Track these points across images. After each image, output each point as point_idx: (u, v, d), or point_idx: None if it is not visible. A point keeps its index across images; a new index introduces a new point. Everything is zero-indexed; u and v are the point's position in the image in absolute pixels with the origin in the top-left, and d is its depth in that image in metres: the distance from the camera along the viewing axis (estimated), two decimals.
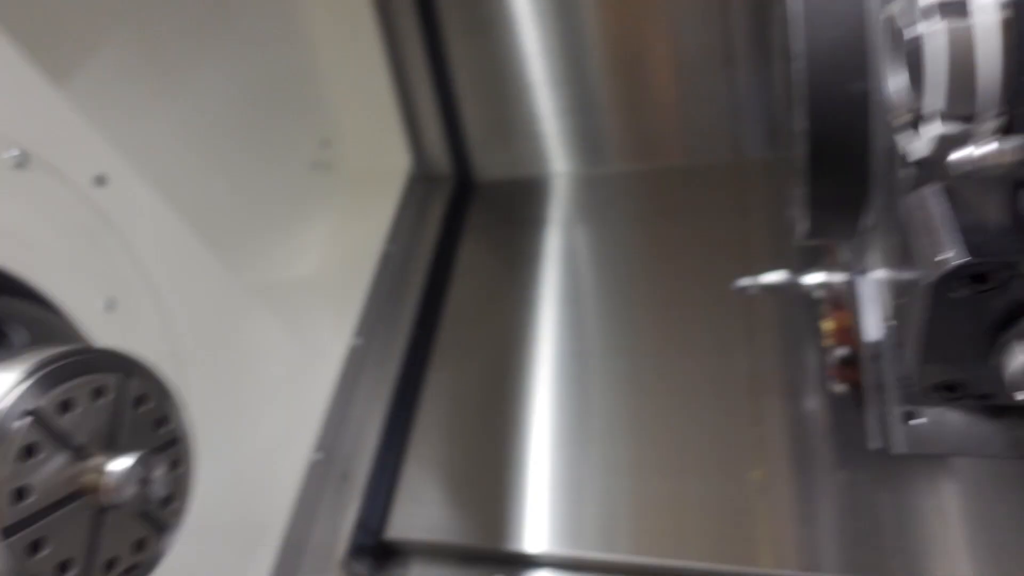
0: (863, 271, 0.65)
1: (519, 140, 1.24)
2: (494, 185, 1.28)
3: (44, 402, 0.38)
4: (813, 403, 0.86)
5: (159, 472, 0.41)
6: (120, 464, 0.39)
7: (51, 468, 0.39)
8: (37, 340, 0.44)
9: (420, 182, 1.25)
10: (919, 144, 0.42)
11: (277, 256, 1.05)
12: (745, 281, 0.75)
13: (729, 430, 0.87)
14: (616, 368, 0.99)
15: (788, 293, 0.76)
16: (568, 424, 0.95)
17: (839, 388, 0.74)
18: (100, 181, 0.65)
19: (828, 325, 0.71)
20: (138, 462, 0.40)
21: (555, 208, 1.21)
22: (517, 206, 1.24)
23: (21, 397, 0.38)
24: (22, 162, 0.57)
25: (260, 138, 1.04)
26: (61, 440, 0.39)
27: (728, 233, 1.07)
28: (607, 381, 0.98)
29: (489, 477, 0.93)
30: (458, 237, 1.20)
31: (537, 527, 0.87)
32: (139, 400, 0.44)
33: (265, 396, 0.86)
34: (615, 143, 1.25)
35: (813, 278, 0.73)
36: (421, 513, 0.92)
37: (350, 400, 1.01)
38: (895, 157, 0.48)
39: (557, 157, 1.26)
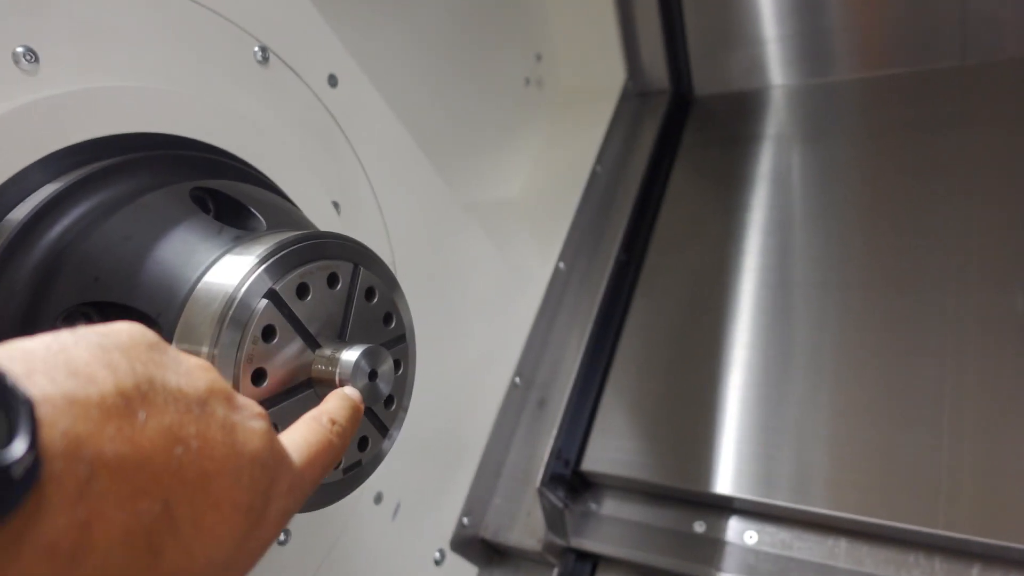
0: None
1: (741, 48, 1.11)
2: (712, 99, 1.17)
3: (282, 284, 0.37)
4: None
5: (386, 368, 0.39)
6: (351, 355, 0.37)
7: (286, 354, 0.37)
8: (275, 227, 0.43)
9: (635, 97, 1.16)
10: None
11: (487, 173, 1.03)
12: None
13: (997, 378, 0.73)
14: (824, 302, 0.87)
15: None
16: (768, 362, 0.85)
17: None
18: (332, 81, 0.64)
19: None
20: (368, 354, 0.38)
21: (775, 124, 1.09)
22: (735, 122, 1.12)
23: (260, 277, 0.36)
24: (264, 58, 0.57)
25: (476, 53, 1.02)
26: (296, 326, 0.38)
27: (1006, 145, 0.89)
28: (813, 316, 0.87)
29: (685, 414, 0.86)
30: (671, 156, 1.11)
31: (743, 471, 0.79)
32: (369, 293, 0.42)
33: (471, 315, 0.85)
34: (846, 46, 1.08)
35: None
36: (617, 447, 0.87)
37: (551, 326, 0.97)
38: None
39: (779, 66, 1.12)
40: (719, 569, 0.76)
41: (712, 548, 0.78)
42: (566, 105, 1.12)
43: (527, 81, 1.10)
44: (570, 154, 1.08)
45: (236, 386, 0.35)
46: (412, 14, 0.90)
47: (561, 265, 1.00)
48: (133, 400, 0.23)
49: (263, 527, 0.27)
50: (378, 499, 0.70)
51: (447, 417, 0.82)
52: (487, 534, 0.84)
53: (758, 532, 0.78)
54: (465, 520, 0.82)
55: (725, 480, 0.79)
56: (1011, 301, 0.78)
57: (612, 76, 1.15)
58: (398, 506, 0.72)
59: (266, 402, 0.36)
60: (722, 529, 0.79)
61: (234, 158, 0.51)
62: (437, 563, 0.78)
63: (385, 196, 0.70)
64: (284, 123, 0.59)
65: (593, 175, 1.07)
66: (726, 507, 0.81)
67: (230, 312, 0.35)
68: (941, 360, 0.76)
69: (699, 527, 0.80)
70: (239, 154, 0.52)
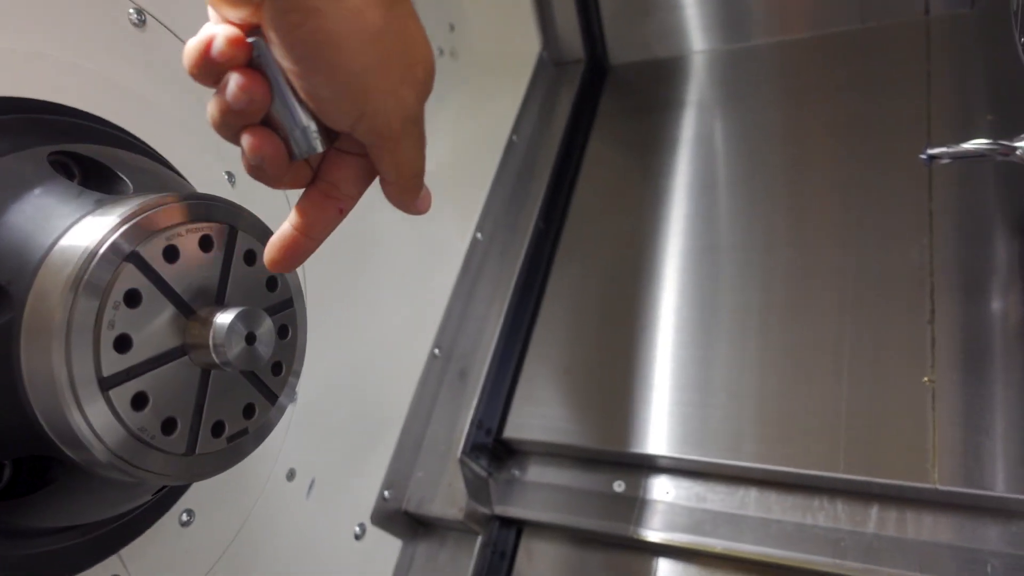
0: None
1: (657, 14, 1.11)
2: (628, 67, 1.18)
3: (146, 247, 0.35)
4: (1003, 299, 0.73)
5: (264, 330, 0.38)
6: (225, 318, 0.36)
7: (154, 319, 0.36)
8: (144, 190, 0.41)
9: (550, 67, 1.16)
10: None
11: None
12: (937, 150, 0.62)
13: (891, 329, 0.76)
14: (750, 263, 0.89)
15: (991, 166, 0.63)
16: (695, 322, 0.87)
17: None
18: None
19: None
20: (243, 316, 0.36)
21: (693, 90, 1.10)
22: (652, 89, 1.13)
23: (121, 238, 0.34)
24: (141, 20, 0.55)
25: None
26: (165, 290, 0.36)
27: (904, 106, 0.92)
28: (739, 277, 0.89)
29: (611, 377, 0.87)
30: (588, 125, 1.11)
31: (659, 430, 0.81)
32: (249, 256, 0.41)
33: (386, 287, 0.84)
34: (764, 10, 1.10)
35: None
36: (540, 413, 0.88)
37: (470, 296, 0.97)
38: None
39: (696, 31, 1.12)
40: (639, 525, 0.78)
41: (631, 506, 0.80)
42: (481, 76, 1.10)
43: (440, 52, 1.08)
44: (486, 125, 1.07)
45: (97, 356, 0.33)
46: None
47: (479, 235, 0.99)
48: None
49: None
50: (290, 476, 0.68)
51: (364, 391, 0.81)
52: (410, 507, 0.83)
53: (675, 487, 0.79)
54: (386, 494, 0.81)
55: (642, 439, 0.81)
56: (907, 254, 0.81)
57: (527, 46, 1.15)
58: (313, 482, 0.71)
59: (134, 369, 0.35)
60: (641, 487, 0.81)
61: (108, 124, 0.49)
62: (357, 538, 0.77)
63: None
64: (167, 89, 0.57)
65: (510, 145, 1.06)
66: (644, 465, 0.82)
67: (86, 275, 0.33)
68: (841, 314, 0.79)
69: (619, 487, 0.82)
70: (114, 120, 0.49)
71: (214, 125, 0.33)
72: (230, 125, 0.33)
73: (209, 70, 0.32)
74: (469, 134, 1.07)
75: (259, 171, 0.34)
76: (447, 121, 1.08)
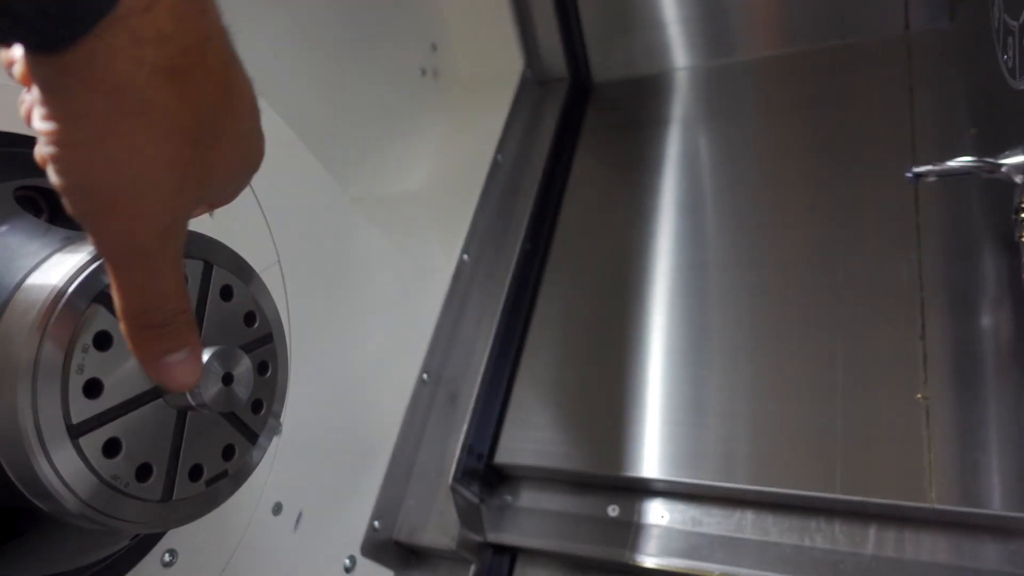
0: None
1: (639, 32, 1.11)
2: (612, 85, 1.17)
3: None
4: (993, 314, 0.73)
5: (243, 369, 0.36)
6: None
7: (127, 362, 0.34)
8: None
9: (533, 86, 1.15)
10: None
11: (384, 168, 1.00)
12: (923, 168, 0.62)
13: (882, 346, 0.75)
14: (740, 281, 0.88)
15: (977, 181, 0.63)
16: (686, 342, 0.86)
17: None
18: None
19: None
20: (219, 356, 0.35)
21: (677, 107, 1.09)
22: (637, 107, 1.13)
23: (90, 278, 0.33)
24: None
25: (366, 45, 0.98)
26: None
27: (888, 121, 0.92)
28: (728, 295, 0.88)
29: (602, 399, 0.86)
30: (573, 144, 1.10)
31: (652, 453, 0.79)
32: (225, 292, 0.39)
33: (372, 313, 0.82)
34: (746, 26, 1.10)
35: (1015, 159, 0.59)
36: (531, 437, 0.86)
37: (458, 319, 0.96)
38: None
39: (680, 48, 1.12)
40: (634, 551, 0.76)
41: (626, 531, 0.78)
42: (464, 95, 1.10)
43: (423, 72, 1.07)
44: (470, 144, 1.07)
45: (65, 402, 0.32)
46: (292, 4, 0.87)
47: (465, 257, 0.98)
48: None
49: None
50: (277, 510, 0.67)
51: (351, 419, 0.79)
52: (401, 536, 0.82)
53: (669, 511, 0.78)
54: (376, 524, 0.79)
55: (636, 462, 0.80)
56: (896, 269, 0.81)
57: (510, 65, 1.14)
58: (300, 515, 0.69)
59: (105, 414, 0.33)
60: (635, 511, 0.80)
61: None
62: (348, 571, 0.75)
63: (266, 194, 0.67)
64: None
65: (494, 165, 1.06)
66: (638, 489, 0.81)
67: (53, 317, 0.32)
68: (832, 331, 0.78)
69: (613, 511, 0.80)
70: None
71: None
72: None
73: None
74: (453, 155, 1.07)
75: None
76: (431, 141, 1.07)
